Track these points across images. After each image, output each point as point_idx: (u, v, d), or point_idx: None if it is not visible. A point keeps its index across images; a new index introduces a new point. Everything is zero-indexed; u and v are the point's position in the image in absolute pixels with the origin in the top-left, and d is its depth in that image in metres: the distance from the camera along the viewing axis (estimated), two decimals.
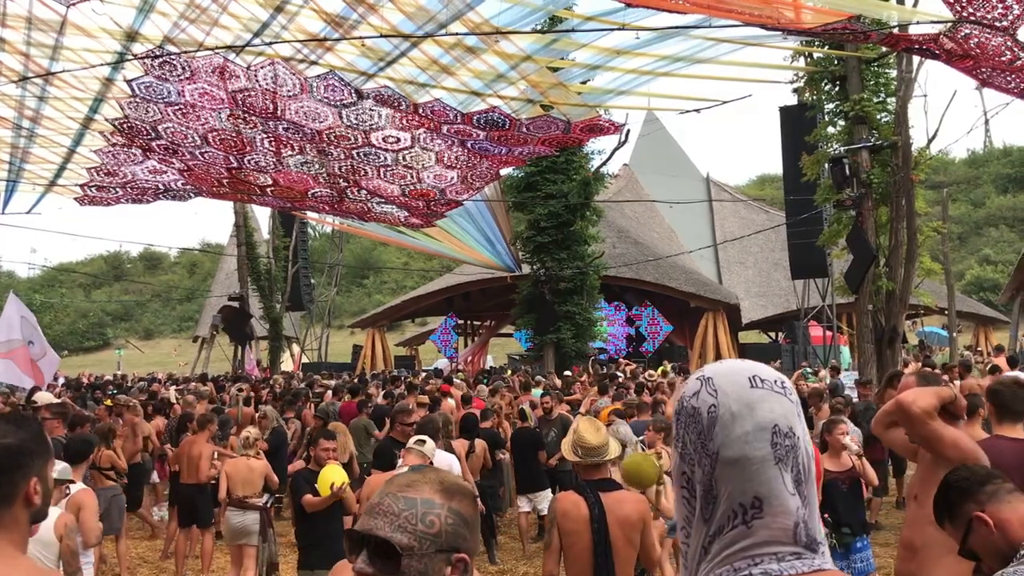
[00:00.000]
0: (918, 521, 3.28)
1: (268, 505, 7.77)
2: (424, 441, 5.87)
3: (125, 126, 9.96)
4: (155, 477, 11.31)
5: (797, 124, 19.44)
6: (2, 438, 1.86)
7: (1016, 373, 11.89)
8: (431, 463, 5.96)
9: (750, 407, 1.18)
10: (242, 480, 7.48)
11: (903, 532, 3.48)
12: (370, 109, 9.25)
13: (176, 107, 9.39)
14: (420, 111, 9.16)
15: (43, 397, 10.64)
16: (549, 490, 9.29)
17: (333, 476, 5.98)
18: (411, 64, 8.02)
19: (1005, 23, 5.41)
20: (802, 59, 14.73)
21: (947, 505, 2.56)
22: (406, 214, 13.52)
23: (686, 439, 1.21)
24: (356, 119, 9.46)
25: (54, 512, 4.16)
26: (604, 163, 25.61)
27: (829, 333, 27.02)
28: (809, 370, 18.79)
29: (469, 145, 10.21)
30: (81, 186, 11.86)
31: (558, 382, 16.16)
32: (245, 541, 7.44)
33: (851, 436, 6.47)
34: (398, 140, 10.06)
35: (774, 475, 1.15)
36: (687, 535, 1.22)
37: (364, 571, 1.46)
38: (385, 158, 10.62)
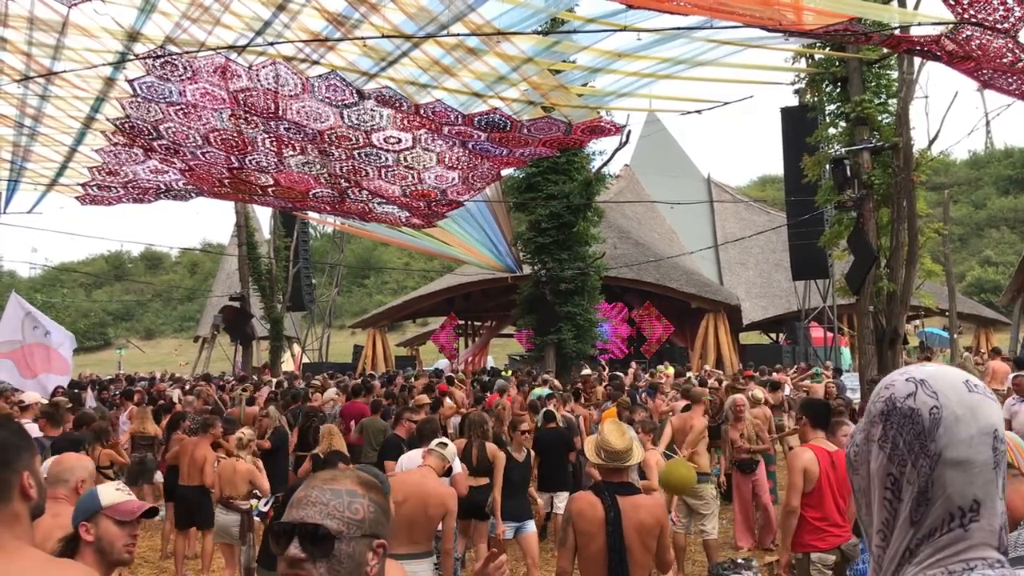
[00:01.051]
0: None
1: (267, 507, 7.81)
2: (446, 444, 5.83)
3: (127, 126, 9.97)
4: (158, 477, 11.32)
5: (798, 125, 19.44)
6: None
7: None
8: (450, 468, 5.94)
9: (972, 411, 1.19)
10: (227, 480, 7.66)
11: None
12: (371, 110, 9.25)
13: (178, 107, 9.40)
14: (421, 112, 9.16)
15: (30, 396, 10.66)
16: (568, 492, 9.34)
17: None
18: (412, 64, 8.03)
19: (1006, 25, 5.41)
20: (803, 60, 14.72)
21: None
22: (407, 214, 13.52)
23: (898, 440, 1.21)
24: (357, 119, 9.47)
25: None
26: (605, 164, 25.61)
27: (830, 334, 27.02)
28: (820, 369, 18.81)
29: (470, 146, 10.21)
30: (82, 185, 11.87)
31: (557, 383, 16.15)
32: (228, 540, 7.63)
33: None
34: (399, 141, 10.07)
35: (991, 479, 1.17)
36: (883, 538, 1.22)
37: (296, 556, 1.56)
38: (386, 159, 10.62)
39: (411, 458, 6.54)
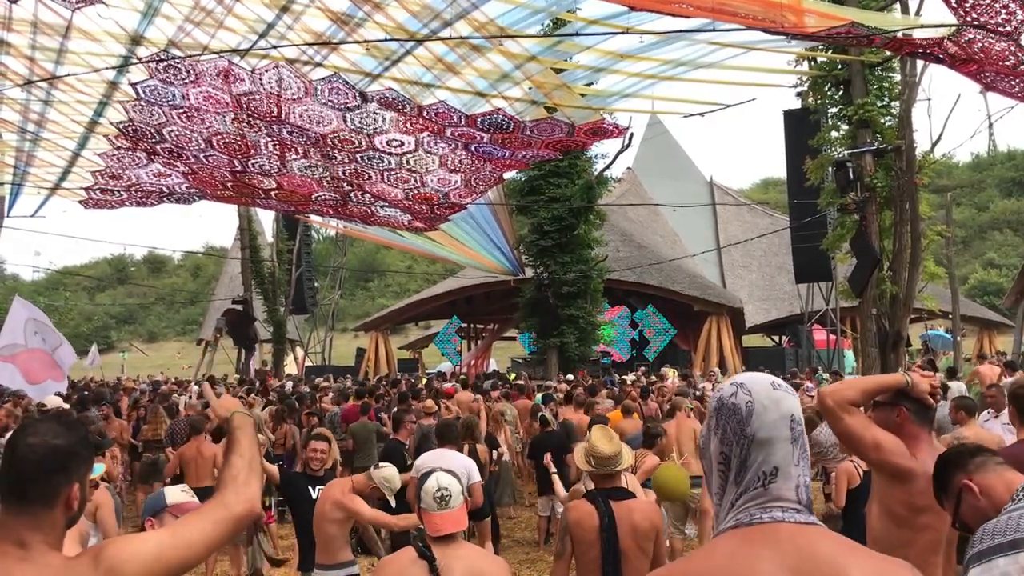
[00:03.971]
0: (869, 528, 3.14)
1: (267, 508, 7.82)
2: (380, 467, 5.42)
3: (130, 129, 9.99)
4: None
5: (801, 128, 19.41)
6: (53, 439, 1.84)
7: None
8: (385, 500, 5.45)
9: (776, 402, 1.62)
10: None
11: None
12: (374, 113, 9.26)
13: (180, 110, 9.41)
14: (424, 114, 9.17)
15: (53, 401, 10.67)
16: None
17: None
18: (416, 63, 8.04)
19: (1008, 28, 5.42)
20: (805, 63, 14.72)
21: (942, 479, 2.59)
22: (410, 218, 13.53)
23: (726, 427, 1.63)
24: (360, 122, 9.48)
25: None
26: (608, 167, 25.63)
27: (833, 337, 26.98)
28: (824, 375, 18.73)
29: (473, 149, 10.22)
30: (85, 189, 11.89)
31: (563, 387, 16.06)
32: (236, 541, 7.58)
33: None
34: (402, 144, 10.08)
35: (789, 450, 1.60)
36: (720, 498, 1.65)
37: None
38: (389, 162, 10.64)
39: (439, 457, 6.47)
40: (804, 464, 1.61)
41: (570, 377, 18.90)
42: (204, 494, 8.32)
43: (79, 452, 1.88)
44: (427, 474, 3.51)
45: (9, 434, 2.06)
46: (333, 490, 5.35)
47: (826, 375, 18.22)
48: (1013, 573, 2.07)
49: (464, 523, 3.42)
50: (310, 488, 5.85)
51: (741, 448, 1.60)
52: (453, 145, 10.15)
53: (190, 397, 15.72)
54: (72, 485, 1.85)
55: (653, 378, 18.61)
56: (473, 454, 8.10)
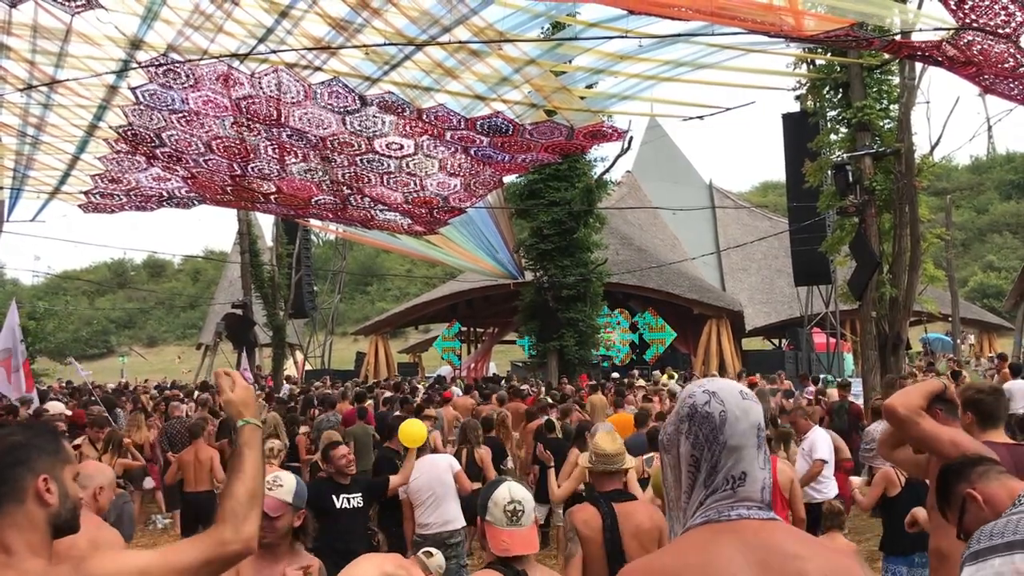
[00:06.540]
0: (942, 527, 3.26)
1: None
2: (431, 554, 4.63)
3: (129, 133, 9.99)
4: (149, 483, 11.23)
5: (800, 131, 19.42)
6: (11, 436, 1.89)
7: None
8: None
9: (745, 412, 1.74)
10: None
11: (930, 541, 3.55)
12: (374, 116, 9.26)
13: (180, 114, 9.41)
14: (424, 117, 9.17)
15: (55, 407, 10.67)
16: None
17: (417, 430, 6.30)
18: (415, 67, 8.05)
19: (1007, 30, 5.42)
20: (804, 66, 14.75)
21: (944, 490, 2.71)
22: (409, 222, 13.52)
23: (699, 433, 1.73)
24: (360, 125, 9.48)
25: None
26: (607, 170, 25.69)
27: (833, 340, 26.98)
28: (831, 377, 18.70)
29: (472, 152, 10.22)
30: (85, 193, 11.89)
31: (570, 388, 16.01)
32: None
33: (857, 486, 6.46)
34: (401, 147, 10.07)
35: (754, 456, 1.72)
36: (688, 497, 1.75)
37: None
38: (388, 165, 10.63)
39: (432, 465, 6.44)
40: (768, 467, 1.77)
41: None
42: (201, 498, 8.38)
43: (40, 446, 1.90)
44: (496, 482, 3.17)
45: None
46: None
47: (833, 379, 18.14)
48: (1007, 573, 2.13)
49: (536, 546, 3.11)
50: (334, 497, 5.63)
51: (712, 453, 1.72)
52: (453, 149, 10.15)
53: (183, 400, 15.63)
54: (37, 477, 1.85)
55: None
56: (471, 461, 8.04)
